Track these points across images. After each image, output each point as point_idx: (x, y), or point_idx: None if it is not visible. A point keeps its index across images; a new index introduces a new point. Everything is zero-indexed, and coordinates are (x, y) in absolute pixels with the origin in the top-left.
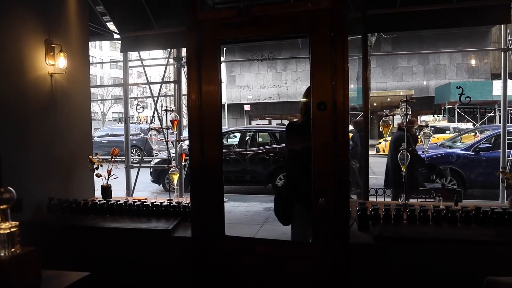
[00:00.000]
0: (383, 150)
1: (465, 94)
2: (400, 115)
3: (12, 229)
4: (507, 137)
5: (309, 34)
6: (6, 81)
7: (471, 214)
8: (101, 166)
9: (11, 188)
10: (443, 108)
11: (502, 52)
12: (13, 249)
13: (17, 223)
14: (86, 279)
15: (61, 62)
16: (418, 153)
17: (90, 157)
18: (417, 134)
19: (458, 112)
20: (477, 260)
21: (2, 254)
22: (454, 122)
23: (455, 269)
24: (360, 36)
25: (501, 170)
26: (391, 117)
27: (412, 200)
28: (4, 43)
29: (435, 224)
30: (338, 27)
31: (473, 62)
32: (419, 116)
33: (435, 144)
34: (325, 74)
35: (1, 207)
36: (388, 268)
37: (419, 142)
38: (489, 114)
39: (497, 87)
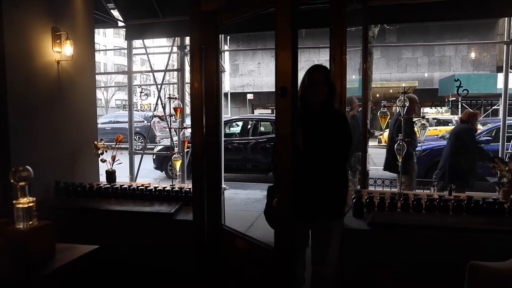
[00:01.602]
0: (385, 142)
1: (462, 87)
2: (398, 106)
3: (29, 204)
4: (507, 130)
5: (274, 8)
6: (15, 68)
7: (463, 204)
8: (106, 151)
9: (28, 167)
10: (446, 100)
11: (505, 45)
12: (30, 222)
13: (34, 198)
14: (96, 251)
15: (67, 49)
16: (482, 146)
17: (95, 142)
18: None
19: (462, 104)
20: (465, 246)
21: (21, 226)
22: (458, 114)
23: (444, 255)
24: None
25: (495, 161)
26: (390, 108)
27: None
28: (13, 30)
29: (427, 212)
30: (337, 20)
31: (473, 55)
32: (422, 108)
33: (436, 136)
34: (286, 53)
35: (20, 184)
36: (380, 253)
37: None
38: (493, 107)
39: (502, 79)
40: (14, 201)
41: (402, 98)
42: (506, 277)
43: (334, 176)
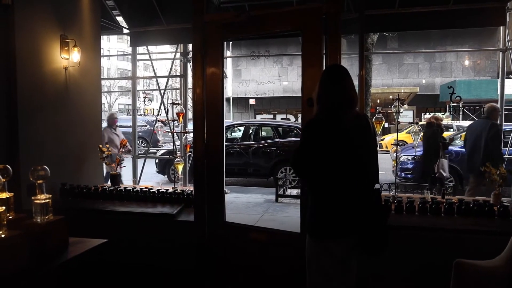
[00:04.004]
0: (386, 147)
1: (455, 94)
2: (393, 112)
3: (46, 200)
4: (504, 135)
5: (301, 32)
6: (25, 74)
7: (454, 206)
8: (110, 155)
9: (46, 167)
10: (447, 105)
11: (501, 53)
12: (47, 217)
13: (50, 195)
14: (105, 244)
15: (75, 56)
16: None
17: (100, 146)
18: None
19: (462, 110)
20: (456, 246)
21: (39, 220)
22: (458, 120)
23: (436, 255)
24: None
25: (486, 165)
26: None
27: None
28: (24, 38)
29: (420, 214)
30: (332, 30)
31: (474, 61)
32: (422, 114)
33: None
34: (315, 70)
35: (38, 182)
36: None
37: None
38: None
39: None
40: (32, 197)
41: (397, 104)
42: (490, 274)
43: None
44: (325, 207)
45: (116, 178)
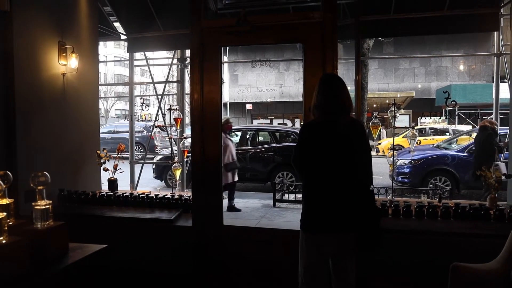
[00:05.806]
0: (383, 151)
1: (451, 98)
2: (389, 116)
3: (46, 206)
4: (500, 139)
5: (303, 44)
6: (23, 80)
7: (450, 210)
8: (108, 161)
9: (46, 173)
10: (443, 110)
11: (495, 57)
12: (47, 222)
13: (51, 201)
14: (105, 250)
15: (73, 62)
16: None
17: (98, 152)
18: None
19: (458, 114)
20: (452, 249)
21: (39, 226)
22: (454, 124)
23: (432, 257)
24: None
25: (482, 169)
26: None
27: None
28: (22, 44)
29: (417, 218)
30: (328, 37)
31: (469, 65)
32: (418, 118)
33: (431, 146)
34: (317, 79)
35: (39, 188)
36: (371, 257)
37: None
38: (489, 117)
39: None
40: (33, 203)
41: (394, 109)
42: (486, 277)
43: None
44: (313, 202)
45: (113, 184)
